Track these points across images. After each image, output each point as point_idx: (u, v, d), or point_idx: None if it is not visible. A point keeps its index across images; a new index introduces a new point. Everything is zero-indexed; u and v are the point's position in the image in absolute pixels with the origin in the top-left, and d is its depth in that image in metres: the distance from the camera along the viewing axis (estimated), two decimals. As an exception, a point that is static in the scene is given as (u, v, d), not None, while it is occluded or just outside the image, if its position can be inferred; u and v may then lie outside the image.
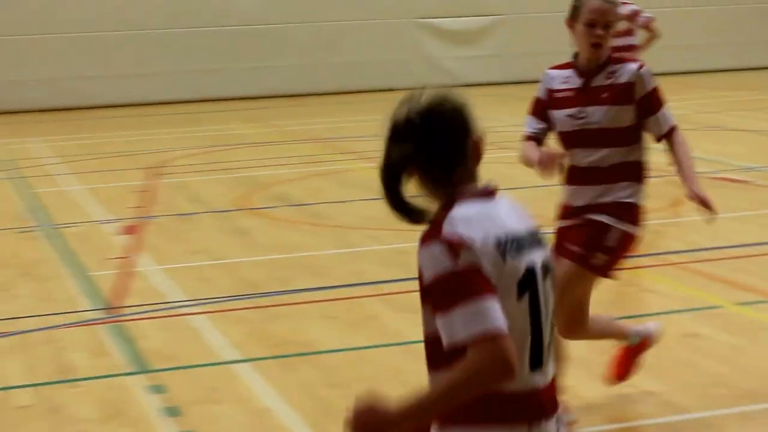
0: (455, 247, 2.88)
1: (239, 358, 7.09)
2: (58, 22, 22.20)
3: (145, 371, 6.87)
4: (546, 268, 3.05)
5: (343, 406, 6.04)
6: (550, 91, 5.65)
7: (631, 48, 12.06)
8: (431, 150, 3.01)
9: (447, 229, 2.92)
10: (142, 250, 10.00)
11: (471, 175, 3.05)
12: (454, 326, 2.85)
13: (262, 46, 23.24)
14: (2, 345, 7.52)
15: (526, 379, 2.98)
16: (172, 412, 6.21)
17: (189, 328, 7.78)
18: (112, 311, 8.19)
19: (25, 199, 12.75)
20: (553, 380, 3.08)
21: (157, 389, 6.54)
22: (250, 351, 7.18)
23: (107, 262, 9.62)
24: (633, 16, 12.20)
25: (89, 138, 18.14)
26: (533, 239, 3.02)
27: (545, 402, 3.02)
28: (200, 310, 8.16)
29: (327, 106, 21.73)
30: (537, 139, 5.66)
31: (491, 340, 2.82)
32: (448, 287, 2.87)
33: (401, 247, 9.69)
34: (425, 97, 3.06)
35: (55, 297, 8.65)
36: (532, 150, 5.53)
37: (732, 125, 17.03)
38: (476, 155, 3.06)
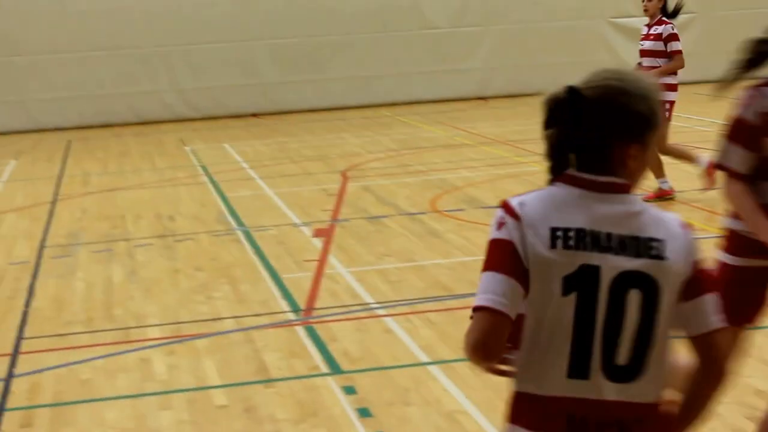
0: (505, 217, 2.89)
1: (429, 360, 7.14)
2: (251, 30, 22.70)
3: (337, 372, 6.99)
4: (633, 281, 2.85)
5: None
6: (766, 115, 4.58)
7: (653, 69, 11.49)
8: (566, 127, 2.94)
9: (514, 199, 2.93)
10: (334, 253, 10.16)
11: (603, 169, 2.91)
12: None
13: (452, 50, 23.31)
14: (202, 345, 7.74)
15: (562, 385, 2.88)
16: (364, 413, 6.29)
17: (380, 329, 7.87)
18: (305, 313, 8.35)
19: (223, 203, 13.09)
20: (618, 403, 2.89)
21: (350, 390, 6.64)
22: (440, 353, 7.23)
23: (301, 264, 9.82)
24: (669, 39, 11.55)
25: (281, 142, 18.52)
26: (628, 246, 2.85)
27: (586, 415, 2.88)
28: (390, 312, 8.26)
29: (517, 108, 21.67)
30: (748, 179, 4.61)
31: (478, 314, 2.85)
32: (486, 253, 2.92)
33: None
34: (604, 81, 2.94)
35: (251, 298, 8.87)
36: (754, 209, 4.58)
37: None
38: (621, 162, 2.92)
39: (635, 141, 2.91)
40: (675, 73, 11.70)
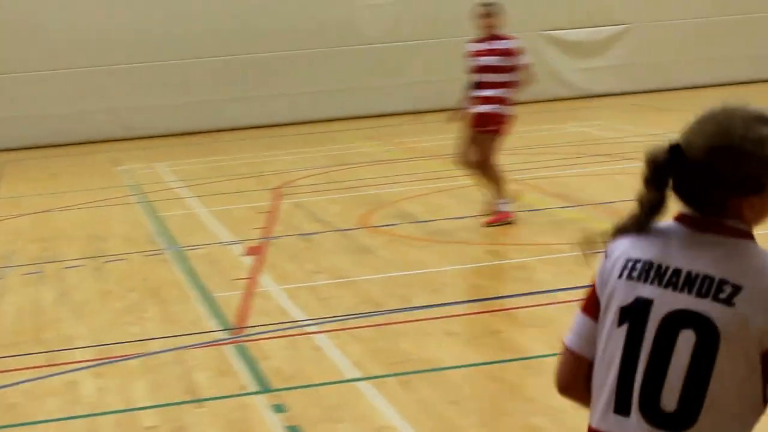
0: (603, 252, 2.85)
1: (360, 376, 7.15)
2: (183, 48, 22.65)
3: (268, 390, 6.98)
4: (688, 321, 2.66)
5: (464, 424, 6.11)
6: None
7: (507, 84, 11.29)
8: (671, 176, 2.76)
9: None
10: (265, 271, 10.16)
11: (714, 213, 2.72)
12: None
13: (386, 65, 23.38)
14: (131, 367, 7.70)
15: (610, 421, 2.77)
16: (295, 431, 6.29)
17: (311, 347, 7.87)
18: (236, 332, 8.33)
19: (154, 223, 13.04)
20: None
21: (280, 408, 6.63)
22: (370, 369, 7.24)
23: (232, 283, 9.79)
24: (511, 53, 11.31)
25: (215, 160, 18.48)
26: (695, 284, 2.67)
27: None
28: (321, 329, 8.26)
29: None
30: None
31: (560, 351, 2.92)
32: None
33: (521, 261, 9.69)
34: (710, 140, 2.69)
35: (182, 318, 8.84)
36: None
37: None
38: (737, 212, 2.71)
39: (751, 194, 2.69)
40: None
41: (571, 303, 8.11)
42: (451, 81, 23.49)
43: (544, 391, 6.58)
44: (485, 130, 11.30)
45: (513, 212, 11.36)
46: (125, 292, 9.85)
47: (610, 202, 11.99)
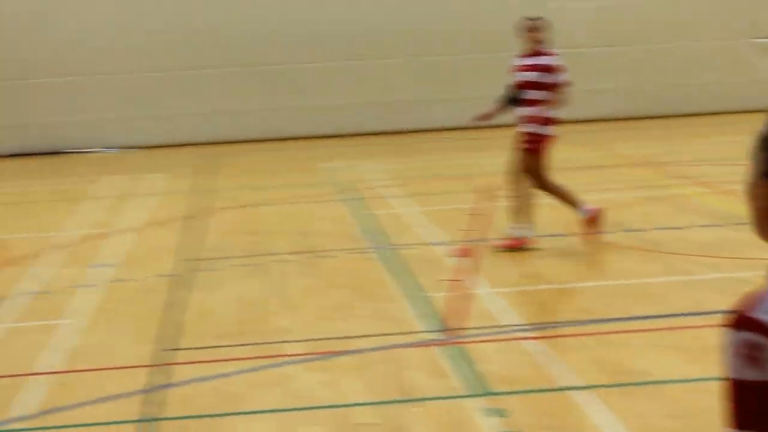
0: (760, 341, 2.00)
1: (577, 384, 7.01)
2: (399, 47, 22.80)
3: (484, 394, 6.90)
4: None
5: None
6: None
7: (545, 102, 10.94)
8: None
9: (758, 307, 2.01)
10: (476, 273, 10.08)
11: None
12: None
13: (591, 70, 23.10)
14: (343, 363, 7.73)
15: None
16: (513, 437, 6.20)
17: (525, 352, 7.77)
18: (449, 333, 8.28)
19: (361, 221, 13.12)
20: None
21: (498, 413, 6.54)
22: (588, 378, 7.09)
23: (441, 283, 9.75)
24: (551, 70, 10.93)
25: (422, 161, 18.51)
26: None
27: None
28: (536, 335, 8.15)
29: (659, 130, 21.38)
30: None
31: None
32: (741, 404, 2.03)
33: (743, 276, 9.37)
34: None
35: (391, 317, 8.83)
36: None
37: None
38: None
39: None
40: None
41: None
42: (656, 87, 23.13)
43: None
44: (522, 148, 11.01)
45: (528, 237, 11.09)
46: (334, 288, 9.91)
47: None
